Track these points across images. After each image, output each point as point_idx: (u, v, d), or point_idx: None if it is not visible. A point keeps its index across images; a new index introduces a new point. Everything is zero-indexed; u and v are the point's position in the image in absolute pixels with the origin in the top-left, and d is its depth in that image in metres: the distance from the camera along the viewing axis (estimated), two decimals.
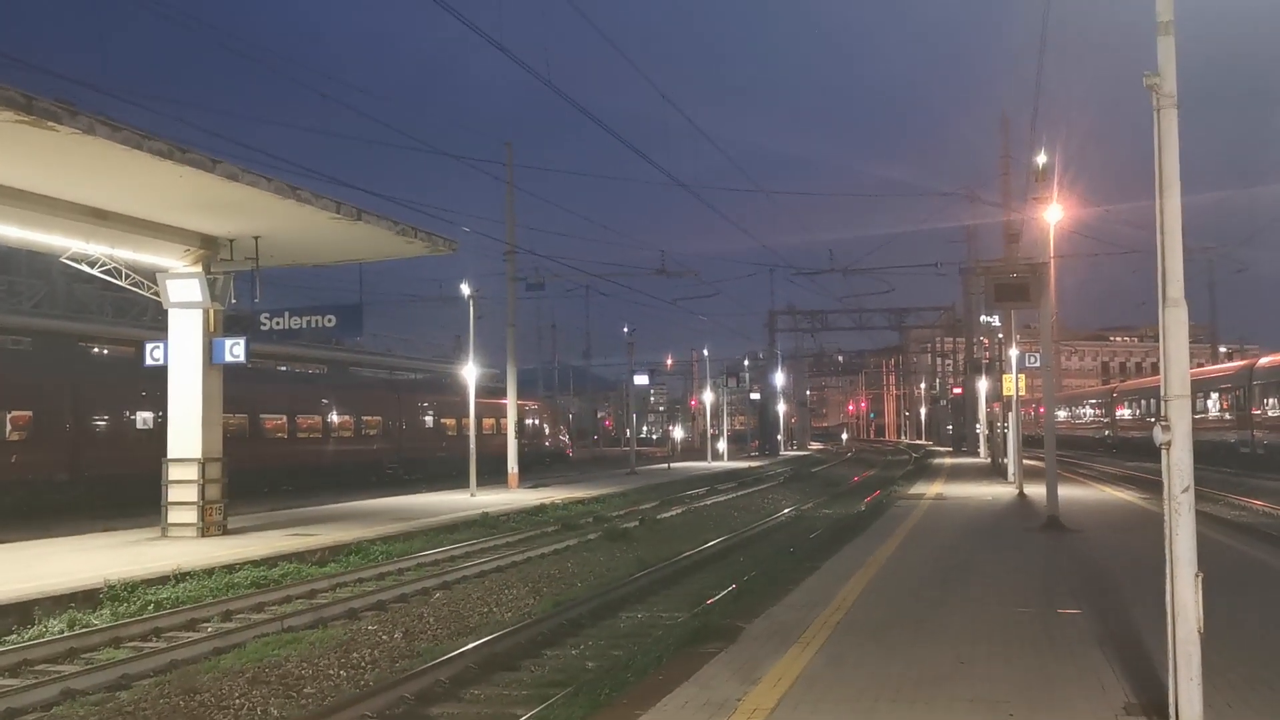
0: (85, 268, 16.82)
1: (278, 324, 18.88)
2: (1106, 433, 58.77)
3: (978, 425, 52.26)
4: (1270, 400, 34.46)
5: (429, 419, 42.87)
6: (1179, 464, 5.44)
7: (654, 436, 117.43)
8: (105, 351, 39.34)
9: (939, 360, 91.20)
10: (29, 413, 25.06)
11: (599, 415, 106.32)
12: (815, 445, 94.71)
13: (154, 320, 32.91)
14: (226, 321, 18.62)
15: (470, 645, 9.54)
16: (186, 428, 17.95)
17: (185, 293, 17.56)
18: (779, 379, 71.91)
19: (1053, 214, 19.29)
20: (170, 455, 17.96)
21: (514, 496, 27.64)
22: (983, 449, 47.22)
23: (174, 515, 17.67)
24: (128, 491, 23.82)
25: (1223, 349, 64.04)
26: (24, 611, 10.93)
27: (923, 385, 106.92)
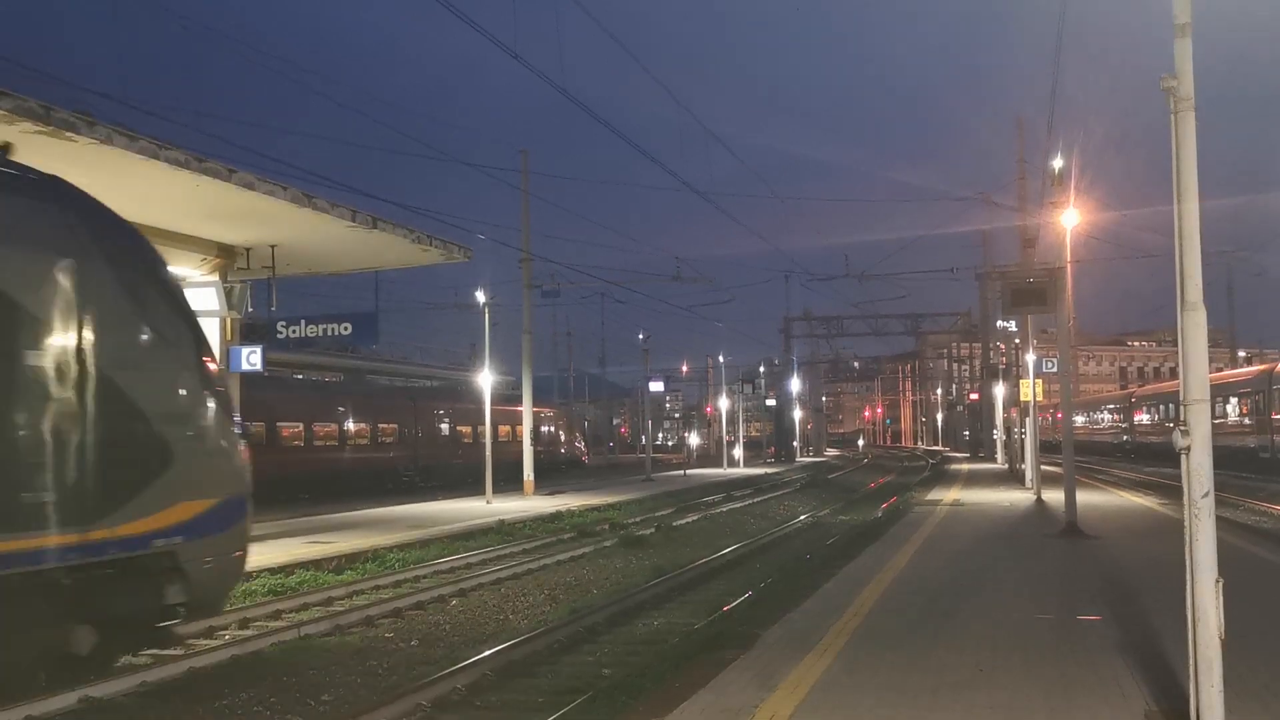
0: None
1: (294, 332, 18.96)
2: (1125, 438, 58.44)
3: (994, 431, 52.02)
4: None
5: (445, 426, 42.95)
6: (1198, 469, 5.40)
7: (670, 443, 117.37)
8: None
9: (955, 366, 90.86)
10: None
11: (614, 422, 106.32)
12: (831, 451, 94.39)
13: None
14: (243, 330, 18.71)
15: (487, 652, 9.54)
16: None
17: (202, 301, 17.61)
18: (795, 385, 71.77)
19: (1069, 218, 19.21)
20: None
21: (530, 503, 27.66)
22: (1000, 455, 46.99)
23: None
24: None
25: (1241, 353, 63.56)
26: None
27: (939, 391, 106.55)
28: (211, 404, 9.19)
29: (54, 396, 7.66)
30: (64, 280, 7.87)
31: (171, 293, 9.19)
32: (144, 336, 8.62)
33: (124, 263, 8.62)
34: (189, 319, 9.22)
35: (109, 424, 8.01)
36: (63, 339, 7.74)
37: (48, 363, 7.59)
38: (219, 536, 9.00)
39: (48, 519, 7.49)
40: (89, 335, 7.92)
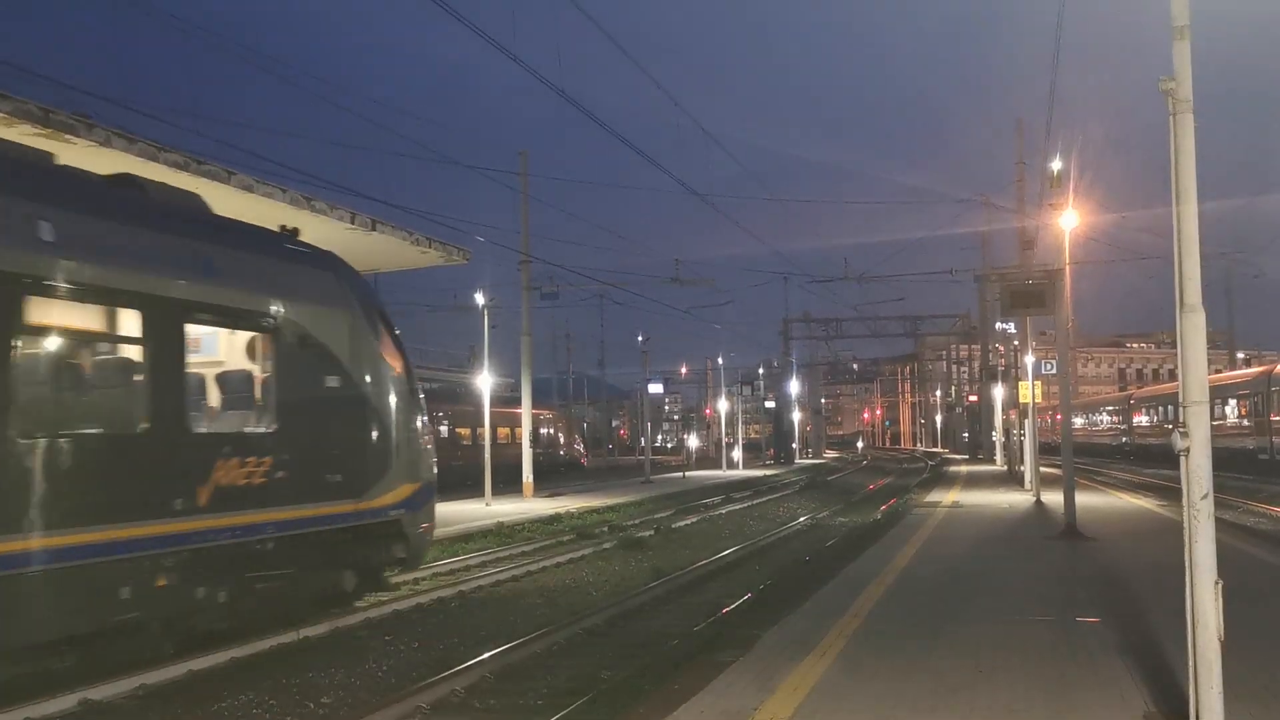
0: None
1: None
2: (1124, 440, 58.48)
3: (993, 433, 52.04)
4: None
5: (444, 428, 42.88)
6: (1198, 470, 5.41)
7: (669, 445, 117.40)
8: None
9: (954, 367, 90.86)
10: None
11: (613, 424, 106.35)
12: (831, 453, 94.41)
13: None
14: None
15: (486, 655, 9.53)
16: None
17: None
18: (794, 387, 71.79)
19: (1068, 220, 19.21)
20: None
21: (529, 505, 27.64)
22: (999, 456, 47.01)
23: None
24: None
25: (1240, 355, 63.59)
26: None
27: (938, 393, 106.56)
28: (417, 411, 12.60)
29: (342, 407, 11.04)
30: (342, 328, 11.18)
31: (393, 330, 12.39)
32: (384, 363, 11.86)
33: (370, 311, 11.86)
34: (402, 347, 12.58)
35: (369, 427, 11.41)
36: (343, 368, 11.09)
37: (336, 384, 10.94)
38: (421, 511, 12.31)
39: (339, 494, 10.84)
40: (356, 366, 11.27)
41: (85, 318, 8.81)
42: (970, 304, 60.47)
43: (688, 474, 49.35)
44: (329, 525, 10.71)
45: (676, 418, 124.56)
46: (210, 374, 10.27)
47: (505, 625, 11.69)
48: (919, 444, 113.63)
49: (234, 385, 10.35)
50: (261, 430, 10.03)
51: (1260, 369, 41.31)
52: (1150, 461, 46.43)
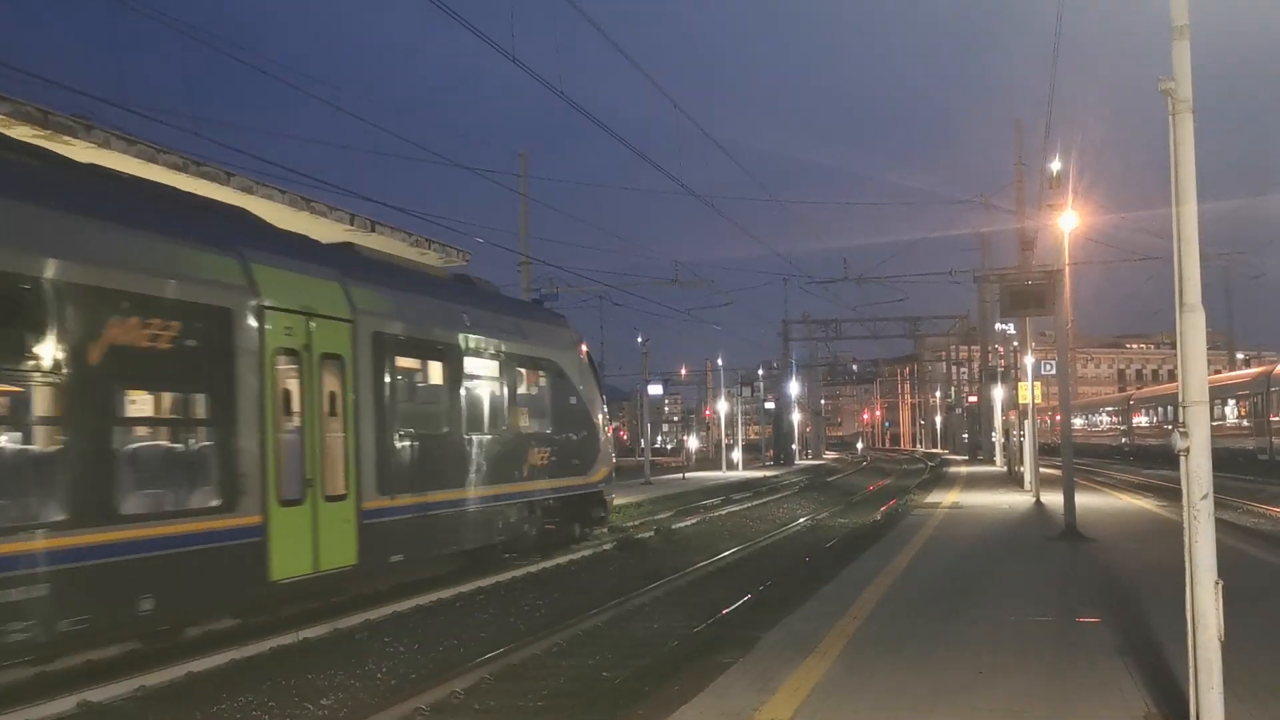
0: None
1: None
2: (1123, 440, 58.48)
3: (993, 433, 52.01)
4: None
5: None
6: (1198, 470, 5.41)
7: (668, 446, 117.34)
8: None
9: (954, 368, 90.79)
10: None
11: (614, 425, 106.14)
12: (830, 454, 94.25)
13: None
14: None
15: (485, 656, 9.52)
16: None
17: None
18: (793, 388, 71.71)
19: (1068, 221, 19.22)
20: None
21: None
22: (999, 457, 46.99)
23: None
24: None
25: (1240, 356, 63.58)
26: None
27: (938, 393, 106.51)
28: (605, 417, 18.95)
29: (577, 416, 17.25)
30: (574, 363, 17.40)
31: (593, 360, 18.65)
32: (594, 384, 18.09)
33: (582, 349, 18.01)
34: (597, 371, 18.82)
35: (588, 428, 17.66)
36: (576, 390, 17.27)
37: (574, 401, 17.18)
38: (609, 486, 18.73)
39: (576, 473, 17.17)
40: (582, 387, 17.44)
41: (478, 367, 14.29)
42: (970, 305, 60.47)
43: (687, 475, 49.27)
44: (574, 493, 17.00)
45: (676, 419, 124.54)
46: (523, 396, 15.66)
47: (505, 627, 11.69)
48: (919, 445, 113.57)
49: (533, 403, 16.06)
50: (546, 432, 16.29)
51: (1260, 369, 41.31)
52: (1150, 462, 46.42)
